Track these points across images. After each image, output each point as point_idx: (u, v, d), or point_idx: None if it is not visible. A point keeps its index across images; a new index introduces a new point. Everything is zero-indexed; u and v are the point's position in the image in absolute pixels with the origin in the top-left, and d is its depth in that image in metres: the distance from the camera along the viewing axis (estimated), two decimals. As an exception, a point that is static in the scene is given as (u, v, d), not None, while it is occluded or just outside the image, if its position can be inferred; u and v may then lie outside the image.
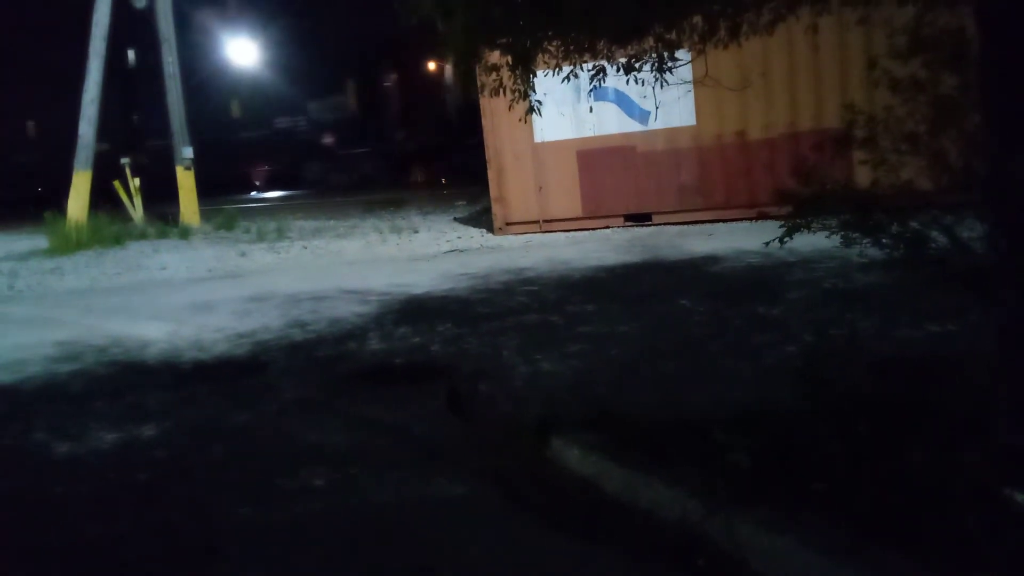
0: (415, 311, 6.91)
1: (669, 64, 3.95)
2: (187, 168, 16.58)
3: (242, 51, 25.53)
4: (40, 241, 14.13)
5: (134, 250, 13.32)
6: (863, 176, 3.36)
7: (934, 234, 3.09)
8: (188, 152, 16.61)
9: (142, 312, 7.96)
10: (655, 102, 9.21)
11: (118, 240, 14.00)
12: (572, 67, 4.19)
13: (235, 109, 32.08)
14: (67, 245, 13.54)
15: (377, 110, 34.24)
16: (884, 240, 3.17)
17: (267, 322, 6.92)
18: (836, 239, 3.32)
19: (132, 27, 16.54)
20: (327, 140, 33.10)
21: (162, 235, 14.83)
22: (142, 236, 14.69)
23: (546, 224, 11.99)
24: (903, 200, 3.21)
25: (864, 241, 3.22)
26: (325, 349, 5.87)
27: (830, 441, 2.84)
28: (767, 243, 3.46)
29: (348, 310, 7.14)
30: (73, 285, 10.40)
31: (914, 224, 3.12)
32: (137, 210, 16.36)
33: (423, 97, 33.53)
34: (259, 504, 3.38)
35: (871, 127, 3.27)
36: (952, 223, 3.07)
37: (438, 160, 28.98)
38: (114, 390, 5.20)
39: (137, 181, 16.40)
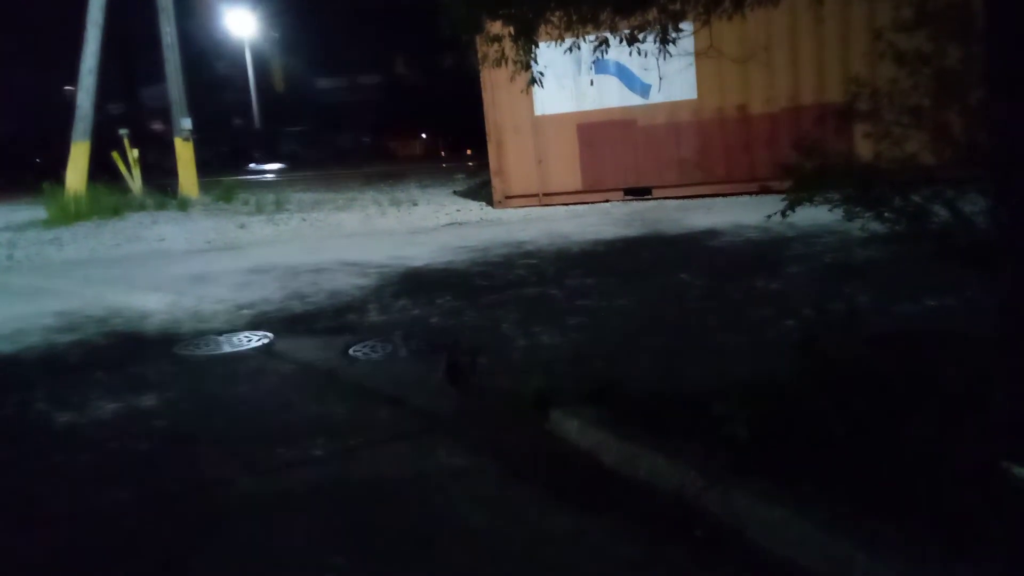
0: (414, 284, 6.91)
1: (673, 35, 3.92)
2: (186, 139, 16.50)
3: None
4: (39, 212, 14.09)
5: (133, 221, 13.29)
6: (865, 150, 3.35)
7: (936, 208, 3.08)
8: (187, 123, 16.53)
9: (141, 283, 7.96)
10: (657, 75, 9.16)
11: (117, 211, 13.96)
12: (575, 38, 4.15)
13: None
14: (66, 216, 13.51)
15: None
16: (886, 214, 3.16)
17: (266, 294, 6.92)
18: (836, 214, 3.31)
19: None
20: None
21: (161, 207, 14.79)
22: (141, 207, 14.65)
23: (546, 198, 11.96)
24: (906, 174, 3.19)
25: (866, 215, 3.21)
26: (325, 321, 5.87)
27: (828, 414, 2.85)
28: (769, 216, 3.45)
29: (347, 282, 7.13)
30: (72, 256, 10.39)
31: (916, 198, 3.11)
32: (136, 181, 16.31)
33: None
34: (258, 474, 3.39)
35: (875, 100, 3.25)
36: (955, 197, 3.06)
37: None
38: (114, 360, 5.21)
39: (136, 152, 16.32)
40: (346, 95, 33.48)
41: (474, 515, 2.94)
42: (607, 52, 3.98)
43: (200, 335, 5.70)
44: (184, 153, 16.47)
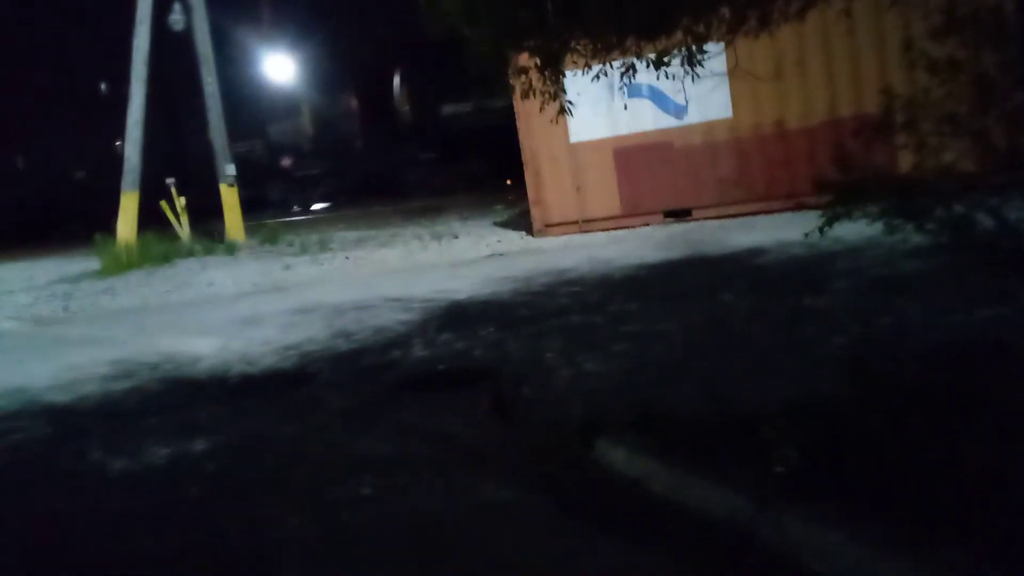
0: (458, 317, 6.93)
1: (699, 57, 3.91)
2: (230, 185, 16.86)
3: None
4: (92, 263, 14.48)
5: (182, 268, 13.58)
6: (905, 161, 3.29)
7: (980, 217, 3.01)
8: (231, 169, 16.88)
9: (192, 328, 8.11)
10: (687, 96, 9.13)
11: (166, 258, 14.27)
12: (601, 65, 4.17)
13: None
14: (118, 266, 13.85)
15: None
16: (928, 225, 3.09)
17: (313, 334, 7.00)
18: (880, 226, 3.25)
19: (173, 48, 16.89)
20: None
21: (209, 252, 15.08)
22: (190, 254, 14.95)
23: (585, 224, 11.93)
24: (947, 183, 3.12)
25: (907, 227, 3.14)
26: (370, 358, 5.92)
27: (881, 434, 2.78)
28: (807, 234, 3.41)
29: (392, 318, 7.18)
30: (125, 304, 10.63)
31: (959, 208, 3.04)
32: (184, 228, 16.67)
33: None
34: (308, 515, 3.42)
35: (910, 110, 3.19)
36: (999, 205, 2.98)
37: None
38: (167, 406, 5.31)
39: (183, 200, 16.72)
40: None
41: (523, 550, 2.92)
42: (635, 77, 3.99)
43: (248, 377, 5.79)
44: (229, 198, 16.82)
